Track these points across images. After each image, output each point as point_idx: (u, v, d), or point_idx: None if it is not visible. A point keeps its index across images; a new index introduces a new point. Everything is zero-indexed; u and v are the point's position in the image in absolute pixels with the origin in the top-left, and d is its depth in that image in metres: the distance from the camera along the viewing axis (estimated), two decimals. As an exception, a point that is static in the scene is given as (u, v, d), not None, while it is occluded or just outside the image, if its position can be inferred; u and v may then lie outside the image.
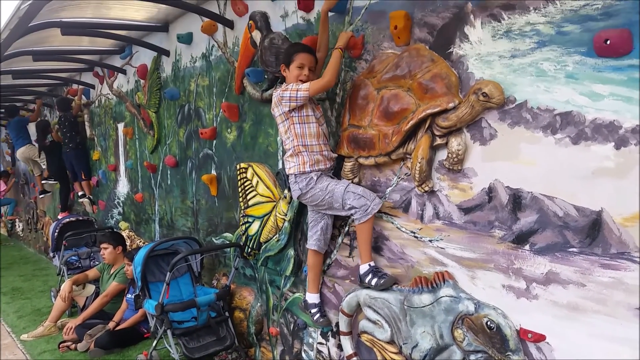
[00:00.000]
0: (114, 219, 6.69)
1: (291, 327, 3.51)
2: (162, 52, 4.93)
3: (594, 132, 1.83)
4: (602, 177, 1.82)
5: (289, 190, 3.22)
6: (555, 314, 1.99)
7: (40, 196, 8.87)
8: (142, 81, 5.44)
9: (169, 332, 3.75)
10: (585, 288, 1.89)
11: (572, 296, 1.93)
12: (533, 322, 2.06)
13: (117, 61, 5.97)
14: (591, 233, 1.87)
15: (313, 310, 3.11)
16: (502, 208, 2.14)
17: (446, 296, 2.35)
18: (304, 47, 2.84)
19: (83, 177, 7.30)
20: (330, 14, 2.84)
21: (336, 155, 2.89)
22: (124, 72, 5.89)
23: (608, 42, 1.74)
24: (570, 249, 1.93)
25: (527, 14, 1.99)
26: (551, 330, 2.01)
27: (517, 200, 2.09)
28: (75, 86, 7.39)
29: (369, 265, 2.71)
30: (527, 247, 2.07)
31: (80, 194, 7.49)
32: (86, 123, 7.25)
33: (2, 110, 8.73)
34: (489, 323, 2.18)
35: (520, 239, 2.09)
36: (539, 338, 2.04)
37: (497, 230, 2.17)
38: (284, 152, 3.31)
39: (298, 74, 2.75)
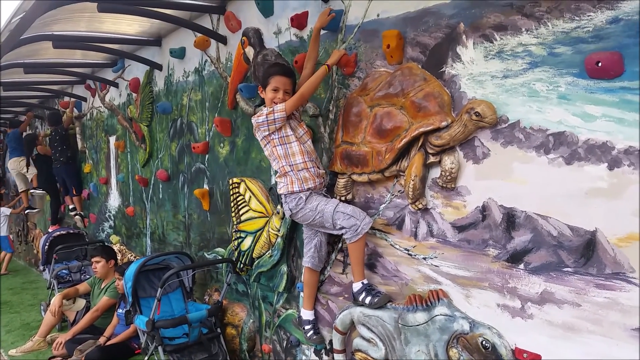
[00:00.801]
0: (105, 232, 6.63)
1: (284, 344, 3.48)
2: (155, 66, 4.93)
3: (587, 152, 1.84)
4: (596, 197, 1.82)
5: (282, 206, 3.20)
6: (550, 333, 1.98)
7: (26, 212, 8.80)
8: (134, 94, 5.43)
9: (160, 348, 3.70)
10: (581, 308, 1.89)
11: (568, 316, 1.93)
12: (528, 341, 2.05)
13: (109, 74, 5.95)
14: (586, 253, 1.87)
15: (307, 327, 3.08)
16: (496, 227, 2.14)
17: (441, 315, 2.34)
18: (279, 69, 2.82)
19: (74, 192, 7.23)
20: (323, 32, 2.85)
21: (324, 171, 2.89)
22: (116, 85, 5.88)
23: (600, 64, 1.75)
24: (565, 269, 1.93)
25: (519, 35, 2.01)
26: (546, 350, 2.00)
27: (511, 219, 2.09)
28: (67, 98, 7.35)
29: (362, 283, 2.70)
30: (521, 266, 2.06)
31: (71, 207, 7.43)
32: (77, 135, 7.20)
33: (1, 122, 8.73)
34: (484, 342, 2.17)
35: (515, 258, 2.08)
36: (535, 358, 2.03)
37: (492, 248, 2.17)
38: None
39: (272, 96, 2.74)
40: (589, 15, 1.79)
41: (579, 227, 1.88)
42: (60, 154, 7.06)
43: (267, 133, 2.74)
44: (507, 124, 2.07)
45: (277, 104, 2.71)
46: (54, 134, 7.02)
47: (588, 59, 1.79)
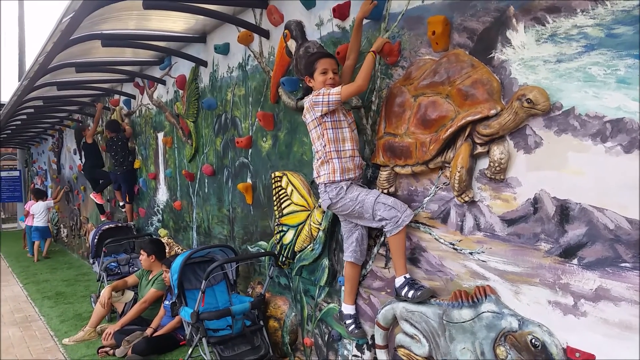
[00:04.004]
0: (154, 226, 6.80)
1: (326, 338, 3.45)
2: (200, 62, 5.00)
3: (648, 140, 1.72)
4: (658, 187, 1.70)
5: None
6: (605, 332, 1.87)
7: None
8: (180, 91, 5.53)
9: (204, 340, 3.75)
10: (640, 306, 1.77)
11: (625, 314, 1.81)
12: (581, 340, 1.95)
13: (156, 72, 6.09)
14: (646, 247, 1.75)
15: (348, 322, 3.05)
16: (548, 220, 2.04)
17: (488, 312, 2.25)
18: (321, 53, 2.87)
19: (127, 199, 7.35)
20: (365, 21, 2.81)
21: (365, 163, 2.85)
22: (163, 82, 6.00)
23: (664, 43, 1.63)
24: (623, 264, 1.81)
25: (573, 16, 1.90)
26: (601, 350, 1.89)
27: (564, 212, 1.98)
28: (116, 97, 7.57)
29: (405, 277, 2.64)
30: (575, 261, 1.95)
31: (121, 204, 7.63)
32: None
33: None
34: (533, 341, 2.07)
35: (568, 253, 1.98)
36: (588, 358, 1.93)
37: (543, 243, 2.06)
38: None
39: (323, 79, 2.74)
40: (653, -9, 1.67)
41: (638, 220, 1.76)
42: (123, 160, 7.11)
43: (319, 114, 2.73)
44: (561, 111, 1.96)
45: (330, 85, 2.72)
46: (114, 140, 7.08)
47: (651, 39, 1.67)
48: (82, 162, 8.56)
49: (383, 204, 2.63)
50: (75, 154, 9.89)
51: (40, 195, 10.53)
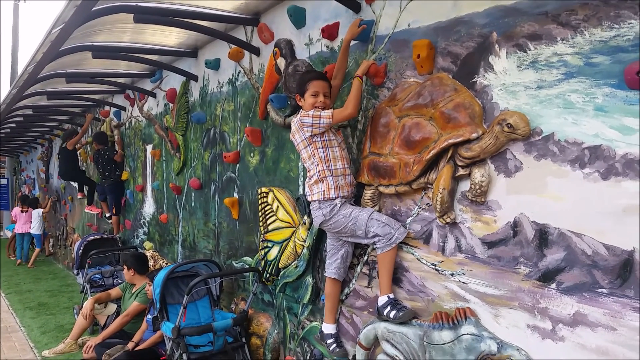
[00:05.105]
0: (140, 238, 6.75)
1: (308, 357, 3.43)
2: (191, 77, 5.02)
3: (625, 167, 1.75)
4: (634, 215, 1.73)
5: (309, 216, 3.18)
6: (583, 358, 1.87)
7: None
8: (170, 105, 5.53)
9: (184, 356, 3.71)
10: (616, 332, 1.78)
11: (602, 340, 1.82)
12: (559, 366, 1.95)
13: (147, 84, 6.10)
14: (622, 274, 1.77)
15: (329, 341, 3.03)
16: (527, 244, 2.06)
17: (468, 334, 2.25)
18: (315, 74, 2.87)
19: (114, 211, 7.29)
20: (353, 42, 2.84)
21: (356, 181, 2.87)
22: (154, 95, 6.01)
23: (640, 74, 1.66)
24: (600, 290, 1.83)
25: (554, 44, 1.94)
26: (578, 375, 1.89)
27: (543, 236, 2.00)
28: (107, 108, 7.56)
29: (388, 297, 2.64)
30: (553, 285, 1.97)
31: (107, 215, 7.58)
32: (116, 144, 7.34)
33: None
34: (511, 365, 2.07)
35: (547, 277, 1.99)
36: (566, 383, 1.93)
37: (523, 266, 2.08)
38: (304, 178, 3.29)
39: (313, 101, 2.76)
40: (630, 23, 1.71)
41: (615, 246, 1.78)
42: (109, 173, 7.08)
43: (309, 135, 2.75)
44: (540, 137, 1.99)
45: (319, 108, 2.73)
46: (101, 152, 7.03)
47: (628, 68, 1.70)
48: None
49: (377, 220, 2.64)
50: None
51: (33, 203, 10.66)
